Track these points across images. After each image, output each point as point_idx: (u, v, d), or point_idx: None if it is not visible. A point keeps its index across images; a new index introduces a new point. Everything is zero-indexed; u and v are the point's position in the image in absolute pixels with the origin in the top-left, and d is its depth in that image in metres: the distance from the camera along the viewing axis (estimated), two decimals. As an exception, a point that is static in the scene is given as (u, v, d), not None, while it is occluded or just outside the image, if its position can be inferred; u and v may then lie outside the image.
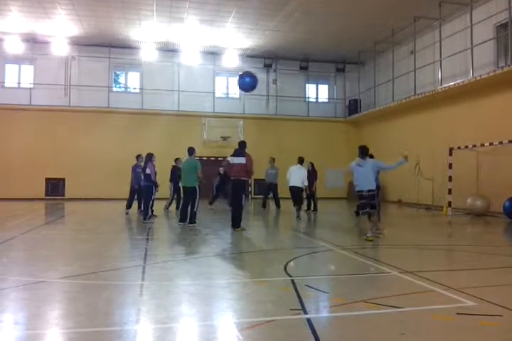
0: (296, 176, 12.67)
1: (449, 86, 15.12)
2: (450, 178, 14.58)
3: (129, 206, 13.59)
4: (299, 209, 12.72)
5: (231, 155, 9.97)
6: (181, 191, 12.58)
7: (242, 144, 10.11)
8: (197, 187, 10.64)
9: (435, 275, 5.46)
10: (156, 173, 11.76)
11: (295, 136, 22.04)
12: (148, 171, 11.45)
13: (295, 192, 12.76)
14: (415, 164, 16.93)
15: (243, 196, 10.03)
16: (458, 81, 14.77)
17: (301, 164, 13.15)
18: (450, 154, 14.66)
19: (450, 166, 14.58)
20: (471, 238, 10.07)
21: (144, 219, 11.30)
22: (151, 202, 11.56)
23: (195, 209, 10.63)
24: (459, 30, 15.70)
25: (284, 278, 5.31)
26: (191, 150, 11.06)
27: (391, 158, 19.33)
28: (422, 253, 7.40)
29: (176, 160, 14.19)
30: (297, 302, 4.24)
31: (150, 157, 11.72)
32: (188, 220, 10.64)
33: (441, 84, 15.73)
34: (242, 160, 9.69)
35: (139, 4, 16.29)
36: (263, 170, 15.74)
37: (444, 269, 6.02)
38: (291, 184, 12.74)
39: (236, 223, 9.75)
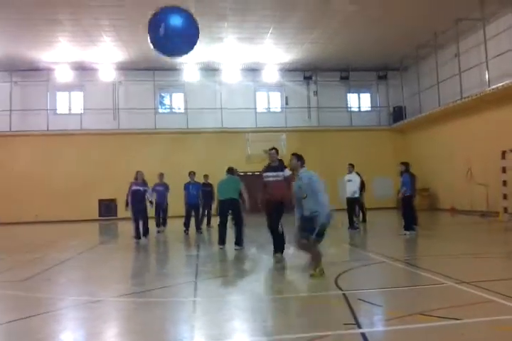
0: (350, 186, 12.61)
1: (497, 87, 14.62)
2: (504, 183, 13.99)
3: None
4: (354, 221, 12.65)
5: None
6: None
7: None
8: (240, 200, 9.44)
9: (493, 284, 5.21)
10: (132, 192, 11.38)
11: (339, 147, 21.80)
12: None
13: (349, 203, 12.71)
14: (467, 169, 16.42)
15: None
16: (507, 81, 14.26)
17: (351, 172, 12.92)
18: (503, 157, 14.10)
19: (504, 170, 14.00)
20: (532, 244, 9.59)
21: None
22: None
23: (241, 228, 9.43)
24: (504, 29, 15.22)
25: (335, 292, 5.24)
26: (232, 170, 10.06)
27: (440, 164, 18.94)
28: (478, 263, 7.11)
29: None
30: (350, 317, 4.16)
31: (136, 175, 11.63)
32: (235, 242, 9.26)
33: (489, 86, 15.23)
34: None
35: (179, 27, 16.74)
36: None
37: (503, 278, 5.74)
38: (347, 195, 12.71)
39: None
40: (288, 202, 7.47)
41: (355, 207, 12.85)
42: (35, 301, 5.25)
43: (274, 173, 7.91)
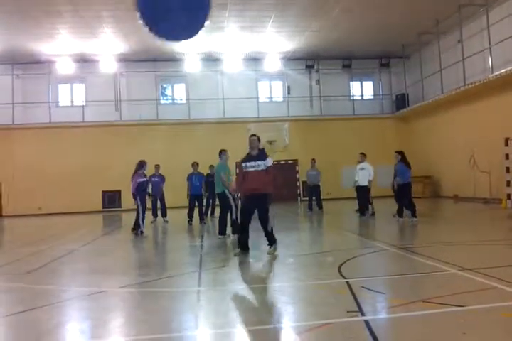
0: (363, 174, 12.93)
1: (501, 73, 14.49)
2: (508, 169, 13.96)
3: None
4: (366, 209, 12.97)
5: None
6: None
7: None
8: (226, 191, 9.48)
9: (497, 271, 5.23)
10: (138, 184, 10.80)
11: (342, 136, 21.75)
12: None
13: (362, 192, 13.03)
14: (470, 156, 16.37)
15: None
16: (510, 67, 14.12)
17: (363, 161, 13.15)
18: (506, 144, 14.04)
19: (507, 157, 13.96)
20: (535, 231, 9.58)
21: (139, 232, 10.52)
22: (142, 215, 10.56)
23: (233, 217, 9.42)
24: (508, 14, 15.04)
25: (339, 280, 5.26)
26: (220, 153, 9.97)
27: (443, 151, 18.87)
28: (481, 250, 7.11)
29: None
30: (354, 304, 4.19)
31: (140, 165, 11.05)
32: (231, 231, 9.52)
33: (492, 72, 15.10)
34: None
35: (180, 16, 16.63)
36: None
37: (506, 265, 5.74)
38: (360, 184, 13.03)
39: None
40: (271, 195, 7.19)
41: (367, 195, 13.08)
42: (40, 293, 5.29)
43: (254, 163, 7.19)
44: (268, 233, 7.19)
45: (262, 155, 7.32)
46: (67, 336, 3.88)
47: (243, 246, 7.31)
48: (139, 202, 10.68)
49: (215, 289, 5.19)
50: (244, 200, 7.40)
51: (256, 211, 7.21)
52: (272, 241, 7.23)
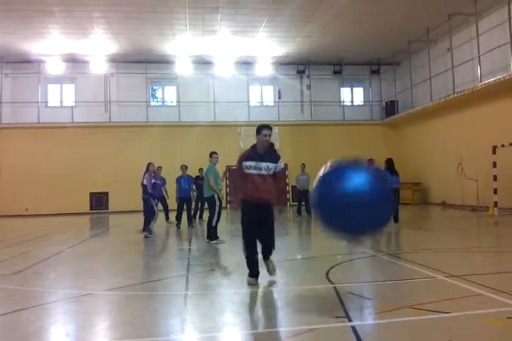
0: None
1: (490, 82, 14.68)
2: (495, 177, 14.10)
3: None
4: None
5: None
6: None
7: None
8: (215, 196, 9.40)
9: (483, 278, 5.28)
10: (154, 184, 11.25)
11: (332, 141, 21.79)
12: (144, 182, 10.81)
13: None
14: (458, 164, 16.51)
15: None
16: (498, 76, 14.32)
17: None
18: (494, 152, 14.20)
19: (494, 165, 14.11)
20: (521, 239, 9.68)
21: (147, 233, 10.76)
22: (150, 216, 10.86)
23: (213, 224, 9.29)
24: (497, 24, 15.25)
25: (326, 286, 5.27)
26: (210, 155, 9.83)
27: (431, 158, 19.03)
28: (468, 257, 7.18)
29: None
30: (341, 310, 4.19)
31: (147, 167, 11.14)
32: (206, 236, 9.53)
33: (480, 81, 15.29)
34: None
35: (173, 19, 16.65)
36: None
37: (492, 272, 5.80)
38: None
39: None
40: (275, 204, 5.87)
41: None
42: (26, 295, 5.23)
43: (258, 164, 5.33)
44: (270, 252, 5.67)
45: (273, 155, 5.45)
46: (52, 338, 3.84)
47: (254, 270, 5.52)
48: (153, 204, 10.94)
49: (202, 293, 5.17)
50: (247, 211, 5.57)
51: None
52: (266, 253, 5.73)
